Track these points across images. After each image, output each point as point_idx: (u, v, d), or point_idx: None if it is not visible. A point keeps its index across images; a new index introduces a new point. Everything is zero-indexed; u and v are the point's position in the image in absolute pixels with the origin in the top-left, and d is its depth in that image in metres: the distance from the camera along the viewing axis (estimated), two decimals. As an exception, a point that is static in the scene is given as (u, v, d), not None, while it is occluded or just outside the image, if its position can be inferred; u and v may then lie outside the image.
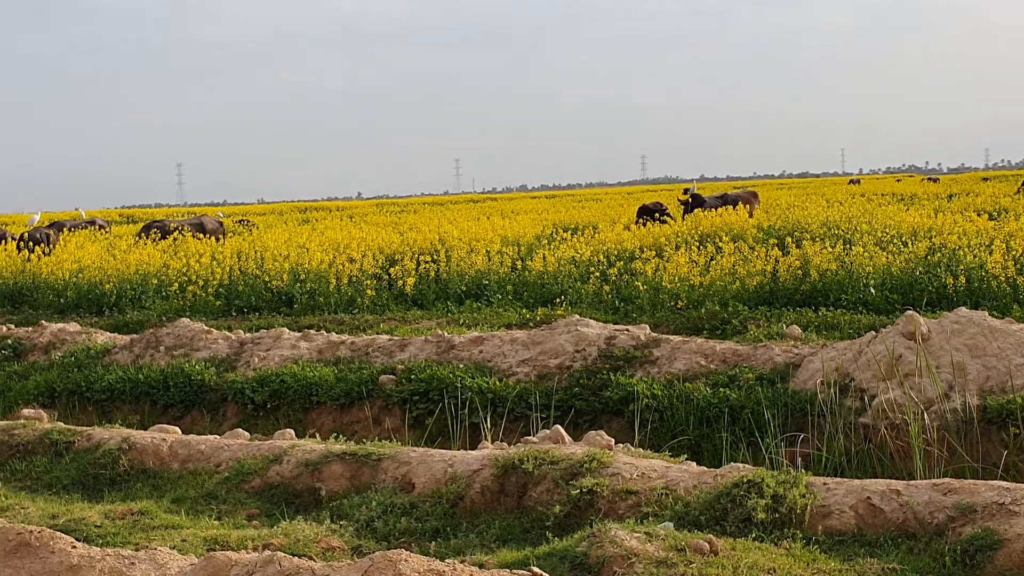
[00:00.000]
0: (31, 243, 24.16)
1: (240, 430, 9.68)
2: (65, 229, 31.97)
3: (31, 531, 4.65)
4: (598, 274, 17.54)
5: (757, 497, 6.42)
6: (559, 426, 8.82)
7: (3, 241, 26.14)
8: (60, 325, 14.57)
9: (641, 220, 26.01)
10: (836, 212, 24.81)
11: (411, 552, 4.66)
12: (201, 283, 18.59)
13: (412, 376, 11.17)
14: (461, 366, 11.25)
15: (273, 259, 19.46)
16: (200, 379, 11.97)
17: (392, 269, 19.14)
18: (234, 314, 18.03)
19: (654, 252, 18.79)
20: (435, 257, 19.48)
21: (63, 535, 4.74)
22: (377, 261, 19.59)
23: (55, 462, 8.86)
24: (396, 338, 12.56)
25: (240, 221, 37.77)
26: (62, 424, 9.85)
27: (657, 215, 26.75)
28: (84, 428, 9.47)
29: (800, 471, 6.95)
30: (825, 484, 6.60)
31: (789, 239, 18.97)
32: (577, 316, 12.44)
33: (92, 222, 36.94)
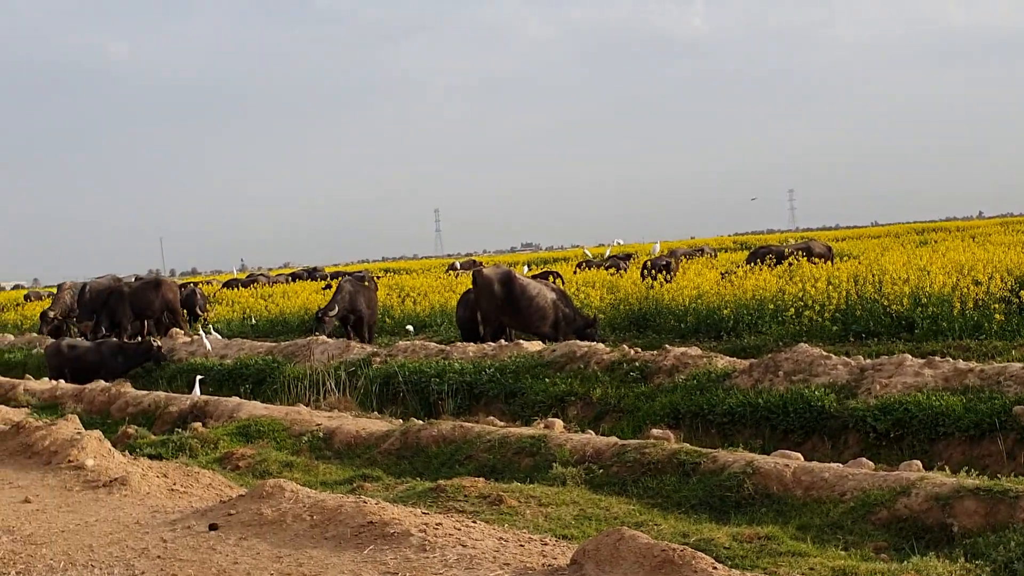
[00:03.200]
0: (653, 270, 25.59)
1: (863, 459, 9.45)
2: (682, 256, 33.60)
3: (674, 549, 4.78)
4: None
5: None
6: None
7: (556, 277, 26.90)
8: (682, 349, 15.13)
9: None
10: None
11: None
12: (817, 308, 18.51)
13: (1052, 408, 10.24)
14: (1109, 397, 10.14)
15: (892, 282, 18.88)
16: (820, 405, 11.85)
17: (1022, 292, 17.79)
18: (851, 339, 17.74)
19: None
20: (1079, 278, 17.83)
21: (703, 555, 4.82)
22: (1006, 283, 18.30)
23: (683, 482, 9.17)
24: (1031, 366, 11.60)
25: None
26: (688, 445, 10.17)
27: None
28: (709, 450, 9.71)
29: None
30: None
31: None
32: None
33: (701, 250, 38.58)
